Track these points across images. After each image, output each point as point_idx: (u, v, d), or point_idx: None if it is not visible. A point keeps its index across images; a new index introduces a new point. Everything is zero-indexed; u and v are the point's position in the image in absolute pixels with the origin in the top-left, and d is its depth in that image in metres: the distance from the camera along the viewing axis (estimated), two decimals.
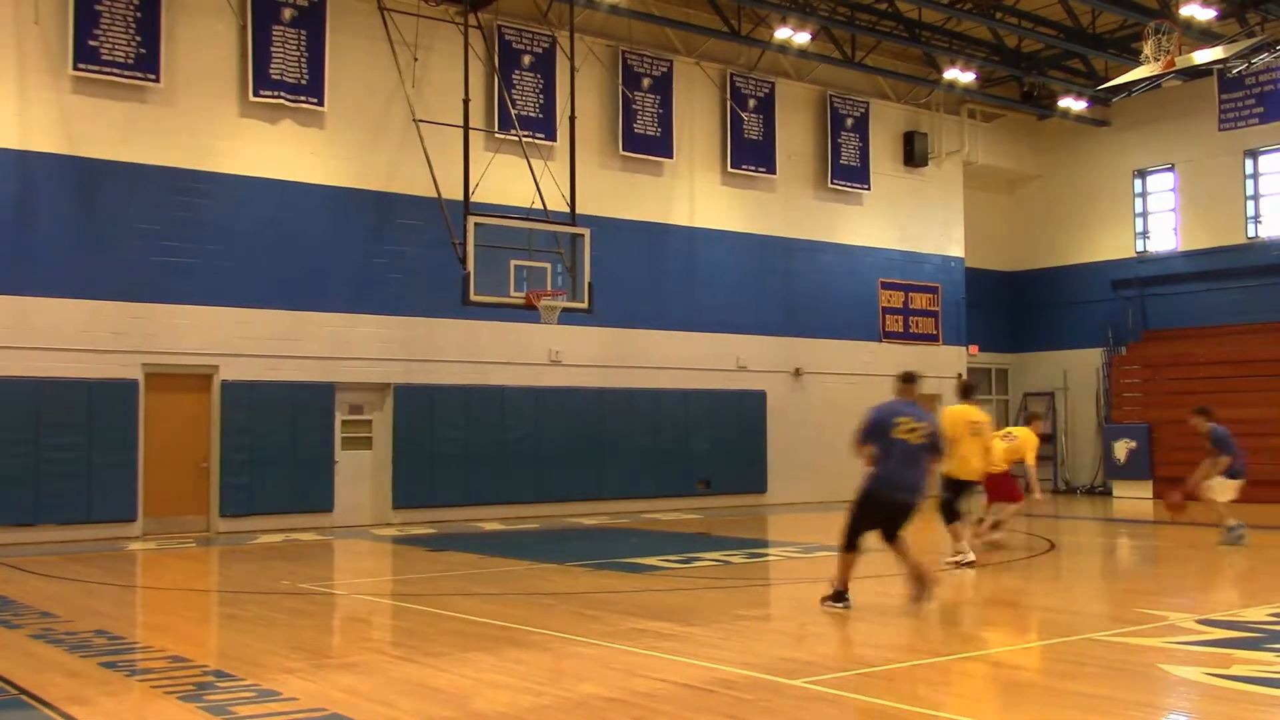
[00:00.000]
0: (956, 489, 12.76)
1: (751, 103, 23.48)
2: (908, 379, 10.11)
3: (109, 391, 16.84)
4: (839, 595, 9.62)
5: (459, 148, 18.04)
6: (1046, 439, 28.28)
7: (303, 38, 18.42)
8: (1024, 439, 14.87)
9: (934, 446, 9.78)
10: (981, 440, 12.95)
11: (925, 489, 9.78)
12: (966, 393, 13.74)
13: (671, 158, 22.36)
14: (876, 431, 9.62)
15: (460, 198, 17.73)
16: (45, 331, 16.45)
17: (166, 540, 16.45)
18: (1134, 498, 24.71)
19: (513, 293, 17.63)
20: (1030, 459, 14.67)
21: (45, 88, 16.62)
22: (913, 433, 9.54)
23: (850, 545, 9.64)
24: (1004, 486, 14.54)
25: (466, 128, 18.12)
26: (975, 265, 27.73)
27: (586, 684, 7.27)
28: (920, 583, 9.54)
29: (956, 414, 12.92)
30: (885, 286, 25.73)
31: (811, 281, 24.40)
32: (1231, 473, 14.44)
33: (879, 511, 9.60)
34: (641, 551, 14.49)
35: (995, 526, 14.55)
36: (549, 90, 20.70)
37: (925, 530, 12.87)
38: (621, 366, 21.54)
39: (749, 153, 23.42)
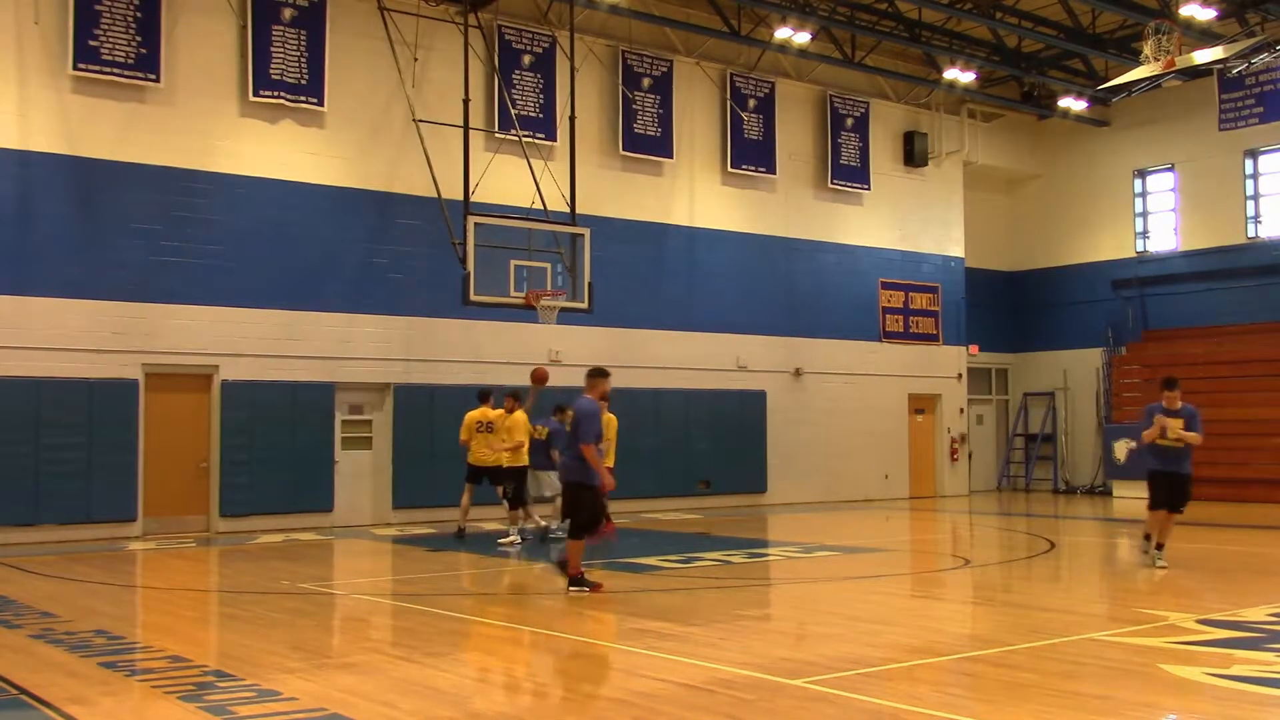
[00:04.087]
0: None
1: (751, 103, 23.48)
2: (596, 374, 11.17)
3: (109, 391, 16.84)
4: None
5: (459, 148, 18.06)
6: (1046, 439, 28.44)
7: (303, 38, 18.42)
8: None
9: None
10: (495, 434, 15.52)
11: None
12: (483, 398, 16.04)
13: (671, 158, 22.35)
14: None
15: (460, 198, 17.75)
16: (45, 331, 16.45)
17: (166, 540, 16.45)
18: (1134, 498, 24.67)
19: (513, 293, 17.65)
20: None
21: (45, 88, 16.62)
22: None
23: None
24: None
25: (466, 128, 18.13)
26: (975, 265, 27.74)
27: (586, 684, 7.27)
28: None
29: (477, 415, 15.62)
30: (885, 286, 25.72)
31: (811, 281, 24.39)
32: None
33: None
34: (641, 551, 14.49)
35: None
36: (549, 90, 20.70)
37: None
38: (621, 366, 21.37)
39: (749, 153, 23.41)
